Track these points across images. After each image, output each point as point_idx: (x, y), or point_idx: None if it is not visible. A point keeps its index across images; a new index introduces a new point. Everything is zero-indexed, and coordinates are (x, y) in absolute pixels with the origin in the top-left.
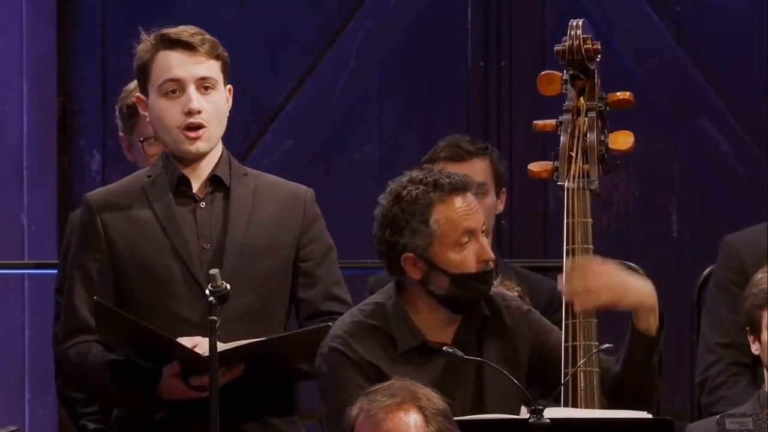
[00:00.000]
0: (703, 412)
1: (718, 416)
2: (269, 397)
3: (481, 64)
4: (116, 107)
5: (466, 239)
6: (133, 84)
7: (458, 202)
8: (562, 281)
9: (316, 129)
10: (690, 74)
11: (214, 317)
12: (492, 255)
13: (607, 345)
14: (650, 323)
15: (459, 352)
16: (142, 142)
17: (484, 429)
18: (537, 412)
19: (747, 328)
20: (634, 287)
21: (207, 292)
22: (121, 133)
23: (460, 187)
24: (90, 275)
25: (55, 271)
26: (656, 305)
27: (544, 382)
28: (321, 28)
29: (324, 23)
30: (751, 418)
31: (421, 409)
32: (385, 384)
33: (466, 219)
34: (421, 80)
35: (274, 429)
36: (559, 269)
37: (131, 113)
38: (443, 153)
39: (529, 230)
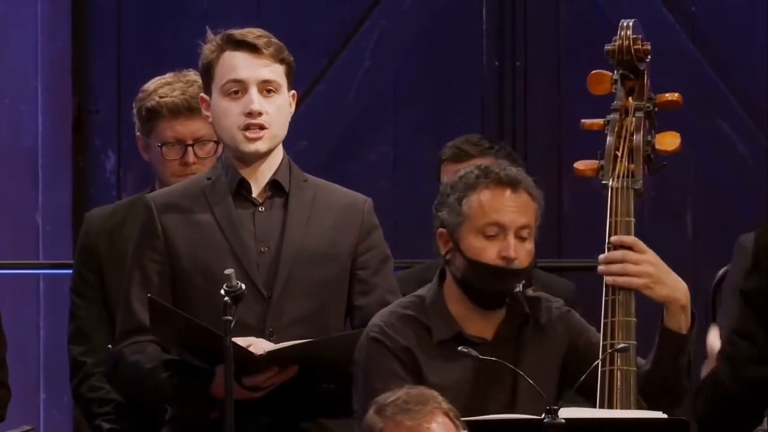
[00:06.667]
0: None
1: None
2: (324, 400)
3: (496, 63)
4: (134, 107)
5: (493, 231)
6: (152, 84)
7: (497, 193)
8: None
9: (331, 129)
10: (705, 75)
11: (229, 317)
12: (514, 255)
13: (623, 345)
14: (681, 321)
15: (474, 352)
16: (160, 146)
17: (499, 429)
18: (552, 412)
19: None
20: (670, 281)
21: (222, 292)
22: (138, 133)
23: (506, 181)
24: (148, 276)
25: (71, 272)
26: (688, 304)
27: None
28: (336, 28)
29: (339, 23)
30: (766, 419)
31: (446, 413)
32: (401, 393)
33: (498, 212)
34: (436, 80)
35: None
36: (574, 269)
37: (150, 116)
38: (446, 154)
39: (543, 230)
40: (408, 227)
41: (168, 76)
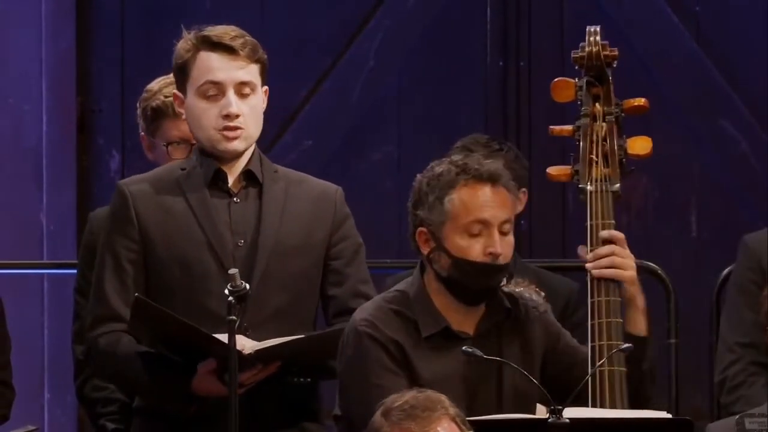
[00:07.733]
0: (722, 411)
1: (737, 416)
2: (294, 401)
3: (500, 63)
4: (137, 107)
5: (477, 229)
6: (156, 84)
7: (479, 190)
8: (584, 249)
9: (335, 129)
10: (709, 74)
11: (233, 317)
12: (500, 251)
13: (627, 345)
14: (642, 323)
15: (479, 352)
16: (166, 146)
17: (502, 428)
18: (556, 412)
19: (766, 327)
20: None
21: (226, 291)
22: (142, 133)
23: (486, 177)
24: (121, 263)
25: (75, 271)
26: (644, 307)
27: (555, 383)
28: (340, 28)
29: (343, 23)
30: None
31: (453, 418)
32: (409, 396)
33: (481, 209)
34: (439, 80)
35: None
36: (578, 269)
37: (155, 116)
38: (454, 153)
39: (547, 230)
40: None
41: (172, 76)
